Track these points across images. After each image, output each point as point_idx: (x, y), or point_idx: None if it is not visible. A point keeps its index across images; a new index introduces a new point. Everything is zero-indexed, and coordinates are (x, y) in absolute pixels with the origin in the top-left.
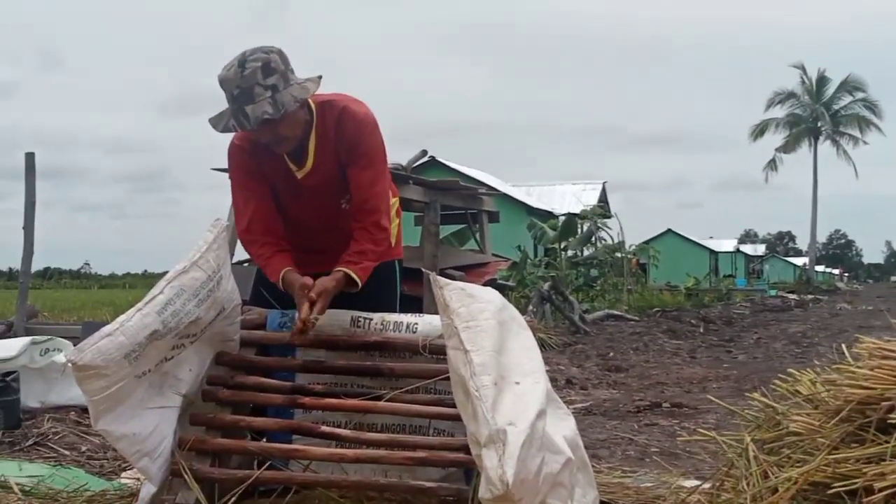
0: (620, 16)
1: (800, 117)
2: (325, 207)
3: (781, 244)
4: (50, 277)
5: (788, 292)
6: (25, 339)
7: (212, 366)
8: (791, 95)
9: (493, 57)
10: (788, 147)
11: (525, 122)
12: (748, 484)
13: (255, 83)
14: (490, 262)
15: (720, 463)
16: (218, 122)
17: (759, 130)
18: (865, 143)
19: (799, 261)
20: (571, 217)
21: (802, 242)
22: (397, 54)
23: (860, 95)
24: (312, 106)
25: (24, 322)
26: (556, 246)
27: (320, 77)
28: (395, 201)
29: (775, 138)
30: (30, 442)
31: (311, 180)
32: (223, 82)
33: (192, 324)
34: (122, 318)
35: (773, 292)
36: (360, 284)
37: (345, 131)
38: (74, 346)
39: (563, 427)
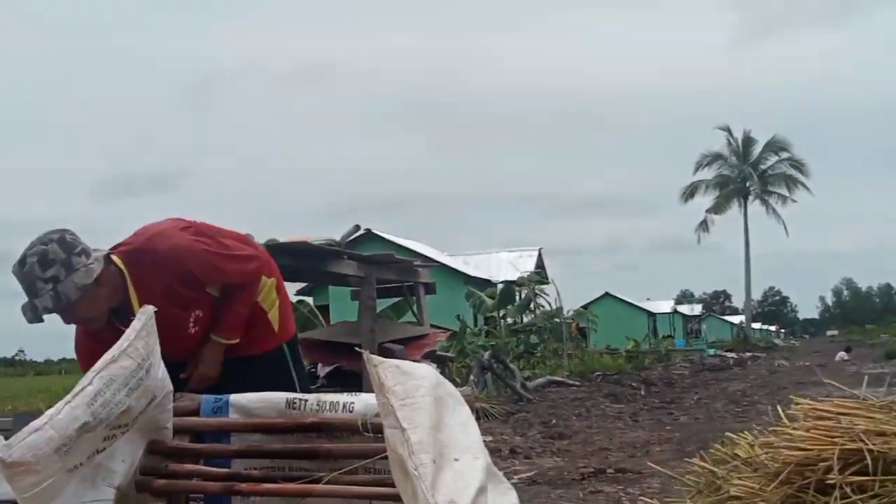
0: (552, 85)
1: (728, 178)
2: (176, 342)
3: (717, 303)
4: None
5: (727, 351)
6: None
7: (145, 455)
8: (718, 157)
9: (425, 129)
10: (719, 208)
11: (460, 191)
12: None
13: (35, 278)
14: (429, 334)
15: None
16: (24, 313)
17: (690, 192)
18: (794, 201)
19: (736, 319)
20: (509, 285)
21: (738, 301)
22: (331, 129)
23: (786, 155)
24: (119, 263)
25: None
26: (495, 314)
27: (111, 250)
28: (271, 282)
29: (705, 199)
30: None
31: None
32: (14, 276)
33: (123, 413)
34: (50, 411)
35: (711, 351)
36: (234, 340)
37: (168, 273)
38: (5, 438)
39: (505, 502)
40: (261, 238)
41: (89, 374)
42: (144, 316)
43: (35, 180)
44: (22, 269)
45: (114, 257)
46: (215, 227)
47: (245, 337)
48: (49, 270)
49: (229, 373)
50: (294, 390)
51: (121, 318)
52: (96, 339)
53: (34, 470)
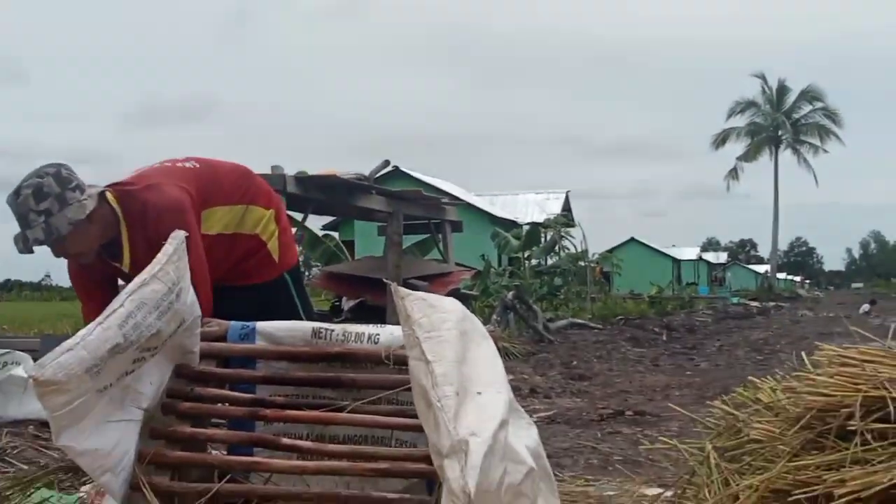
0: (586, 27)
1: (760, 126)
2: None
3: (743, 252)
4: (10, 290)
5: (750, 300)
6: None
7: (172, 378)
8: (752, 104)
9: (458, 67)
10: (749, 156)
11: (489, 131)
12: (709, 491)
13: (28, 209)
14: (453, 272)
15: (682, 471)
16: (15, 243)
17: (721, 139)
18: (825, 151)
19: (761, 268)
20: (535, 226)
21: (764, 250)
22: (362, 64)
23: (819, 105)
24: (114, 204)
25: None
26: (520, 255)
27: (110, 187)
28: (270, 213)
29: (736, 147)
30: None
31: (136, 271)
32: (8, 206)
33: (152, 337)
34: (83, 332)
35: (735, 300)
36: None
37: (149, 225)
38: (34, 359)
39: (525, 437)
40: (290, 170)
41: (121, 297)
42: (176, 241)
43: (66, 108)
44: (16, 200)
45: (108, 195)
46: (212, 172)
47: (245, 266)
48: (43, 203)
49: (232, 302)
50: (298, 318)
51: (111, 254)
52: (87, 269)
53: (65, 389)
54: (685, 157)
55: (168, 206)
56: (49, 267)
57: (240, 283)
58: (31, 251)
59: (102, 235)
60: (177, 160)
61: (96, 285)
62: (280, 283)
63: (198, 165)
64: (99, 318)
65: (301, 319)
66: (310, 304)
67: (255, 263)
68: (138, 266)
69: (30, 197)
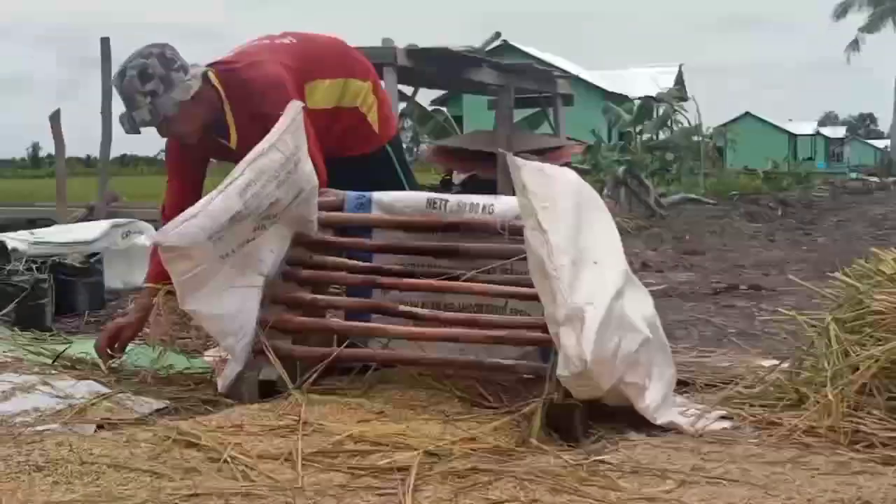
0: None
1: None
2: None
3: (863, 126)
4: (127, 164)
5: (869, 175)
6: (107, 222)
7: (291, 247)
8: None
9: None
10: (872, 26)
11: (599, 5)
12: (828, 362)
13: (134, 91)
14: (564, 146)
15: (799, 343)
16: (122, 123)
17: (842, 10)
18: None
19: (881, 143)
20: (647, 100)
21: (884, 125)
22: None
23: None
24: (216, 83)
25: (106, 206)
26: (632, 130)
27: (211, 66)
28: (367, 85)
29: (858, 17)
30: None
31: (242, 149)
32: (113, 88)
33: (272, 205)
34: (203, 200)
35: (853, 175)
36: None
37: (253, 103)
38: (155, 228)
39: (641, 307)
40: (400, 44)
41: (240, 166)
42: (293, 111)
43: None
44: (122, 81)
45: (211, 75)
46: (311, 46)
47: (347, 139)
48: (148, 84)
49: (337, 174)
50: (402, 188)
51: (218, 133)
52: (186, 147)
53: (188, 255)
54: (803, 29)
55: (270, 83)
56: (164, 142)
57: (343, 155)
58: (138, 132)
59: (207, 115)
60: (274, 36)
61: (188, 165)
62: (382, 154)
63: (295, 41)
64: (219, 187)
65: (405, 190)
66: (412, 174)
67: (357, 136)
68: (246, 142)
69: (135, 78)
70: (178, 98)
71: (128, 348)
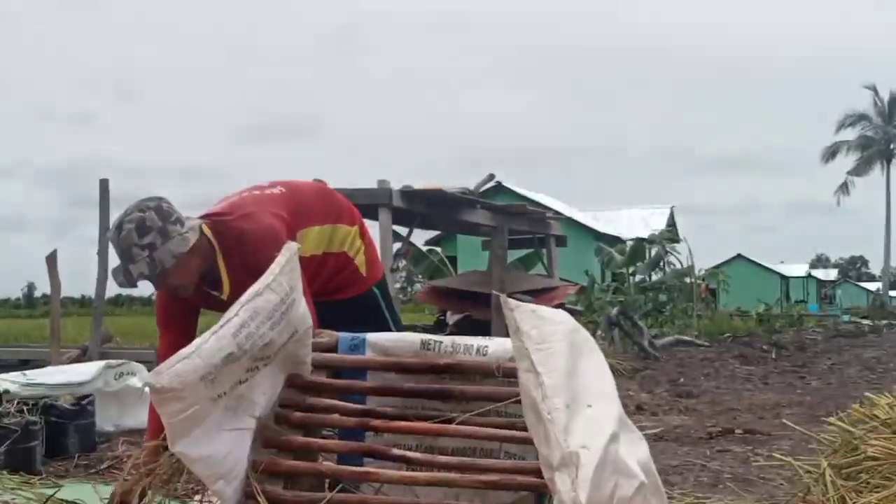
0: (688, 38)
1: (871, 139)
2: None
3: (854, 269)
4: (121, 304)
5: (862, 318)
6: (100, 364)
7: (284, 388)
8: (862, 117)
9: (559, 82)
10: (860, 170)
11: (592, 146)
12: None
13: (131, 244)
14: (558, 287)
15: (796, 489)
16: (115, 277)
17: (831, 153)
18: None
19: (872, 286)
20: (639, 242)
21: (876, 267)
22: (466, 79)
23: None
24: (209, 234)
25: (99, 346)
26: (624, 271)
27: (203, 218)
28: (354, 229)
29: (847, 161)
30: (104, 465)
31: (233, 299)
32: (110, 242)
33: (265, 346)
34: (197, 341)
35: (846, 318)
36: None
37: (247, 254)
38: (148, 370)
39: (635, 451)
40: (395, 184)
41: (235, 307)
42: (288, 252)
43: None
44: (119, 235)
45: (204, 227)
46: (299, 195)
47: (335, 283)
48: (146, 237)
49: (325, 316)
50: (389, 330)
51: (209, 284)
52: (177, 299)
53: (181, 396)
54: (793, 172)
55: (264, 234)
56: None
57: (331, 297)
58: (135, 285)
59: (202, 266)
60: (263, 186)
61: (179, 318)
62: (369, 297)
63: (284, 190)
64: (213, 328)
65: (392, 331)
66: (398, 316)
67: (345, 279)
68: (236, 293)
69: (133, 231)
70: (177, 250)
71: None
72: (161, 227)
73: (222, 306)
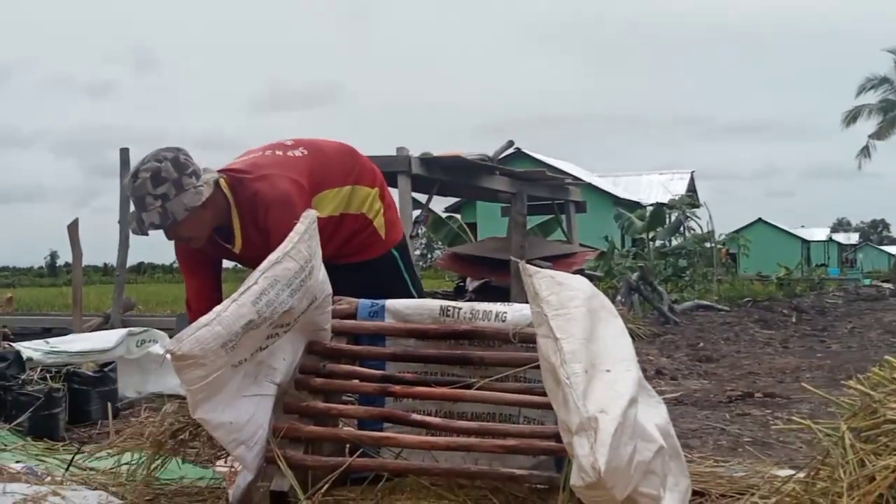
0: (708, 4)
1: (893, 103)
2: None
3: (875, 232)
4: (143, 272)
5: (883, 281)
6: (122, 331)
7: (304, 355)
8: (884, 81)
9: (580, 48)
10: (882, 133)
11: (612, 112)
12: (844, 472)
13: (145, 193)
14: (577, 253)
15: (815, 452)
16: (129, 223)
17: (852, 117)
18: None
19: (894, 249)
20: (659, 207)
21: None
22: (485, 47)
23: None
24: (226, 190)
25: (121, 314)
26: (644, 236)
27: (223, 172)
28: (375, 191)
29: (868, 124)
30: (127, 431)
31: (247, 254)
32: (126, 189)
33: (285, 313)
34: (218, 308)
35: (867, 281)
36: None
37: (258, 216)
38: (170, 337)
39: (654, 415)
40: (415, 152)
41: (255, 274)
42: (308, 220)
43: (196, 95)
44: (134, 183)
45: (222, 182)
46: (321, 157)
47: (353, 245)
48: (160, 188)
49: (342, 279)
50: (408, 293)
51: (223, 237)
52: (195, 249)
53: (201, 363)
54: (814, 136)
55: (277, 199)
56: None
57: (348, 261)
58: (146, 234)
59: (215, 220)
60: (287, 145)
61: (201, 264)
62: (388, 259)
63: (306, 152)
64: (233, 295)
65: (411, 294)
66: (418, 279)
67: (363, 241)
68: (249, 249)
69: (147, 181)
70: (189, 203)
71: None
72: (176, 179)
73: (236, 259)
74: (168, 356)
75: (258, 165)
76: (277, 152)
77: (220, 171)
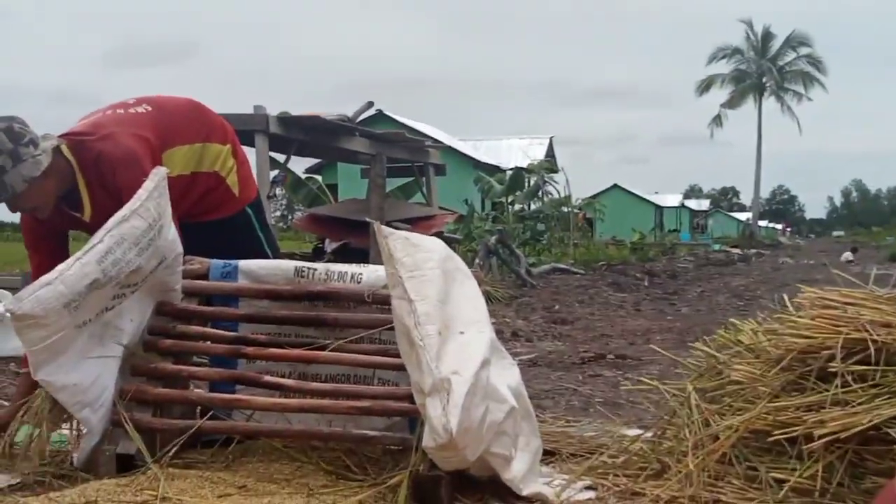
0: None
1: (745, 73)
2: None
3: (726, 199)
4: None
5: (732, 247)
6: None
7: (153, 316)
8: (736, 51)
9: (440, 12)
10: (734, 103)
11: (472, 77)
12: (690, 431)
13: None
14: (437, 215)
15: (662, 412)
16: None
17: (705, 86)
18: (809, 99)
19: (743, 216)
20: (518, 171)
21: (746, 198)
22: (346, 6)
23: (805, 51)
24: (69, 155)
25: None
26: (503, 200)
27: (64, 137)
28: (227, 148)
29: (721, 94)
30: None
31: (98, 221)
32: None
33: (132, 273)
34: (61, 266)
35: (717, 247)
36: None
37: (106, 178)
38: (14, 295)
39: (507, 376)
40: (272, 111)
41: (100, 232)
42: (157, 177)
43: (46, 49)
44: None
45: (64, 148)
46: (166, 114)
47: (205, 204)
48: None
49: (195, 238)
50: (263, 253)
51: (70, 205)
52: (41, 221)
53: (43, 324)
54: (669, 104)
55: (122, 158)
56: None
57: (201, 219)
58: None
59: (59, 188)
60: (129, 104)
61: (46, 237)
62: (242, 217)
63: (150, 109)
64: (77, 254)
65: (266, 254)
66: (274, 238)
67: (216, 199)
68: (100, 214)
69: None
70: (28, 174)
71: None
72: (12, 150)
73: (87, 228)
74: (8, 315)
75: (100, 125)
76: (119, 111)
77: (60, 136)
